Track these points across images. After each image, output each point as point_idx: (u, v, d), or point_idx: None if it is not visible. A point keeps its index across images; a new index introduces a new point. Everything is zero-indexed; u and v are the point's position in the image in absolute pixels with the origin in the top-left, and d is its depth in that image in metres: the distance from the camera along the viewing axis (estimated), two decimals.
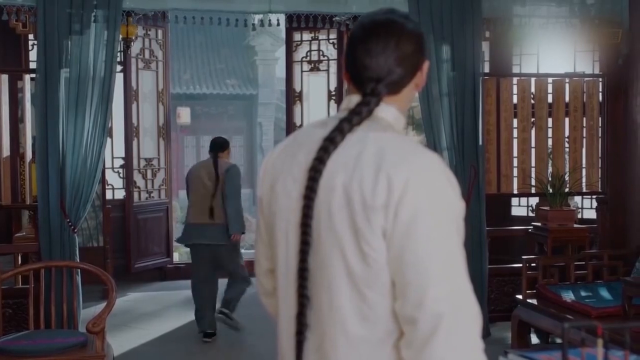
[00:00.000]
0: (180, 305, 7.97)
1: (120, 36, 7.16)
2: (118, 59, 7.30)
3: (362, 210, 1.56)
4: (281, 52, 17.12)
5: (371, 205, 1.55)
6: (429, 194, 1.55)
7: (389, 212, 1.54)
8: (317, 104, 9.17)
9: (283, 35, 11.51)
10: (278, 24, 7.03)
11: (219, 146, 6.82)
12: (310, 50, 9.32)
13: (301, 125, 9.08)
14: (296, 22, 6.93)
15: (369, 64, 1.69)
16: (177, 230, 9.76)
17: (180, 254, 11.70)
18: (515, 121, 7.23)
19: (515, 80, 7.38)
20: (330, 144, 1.63)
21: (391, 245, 1.55)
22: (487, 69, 8.40)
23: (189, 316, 7.02)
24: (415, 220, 1.53)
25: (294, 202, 1.67)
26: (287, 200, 1.70)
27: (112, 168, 9.28)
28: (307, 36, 9.32)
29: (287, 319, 1.69)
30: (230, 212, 6.50)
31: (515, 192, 7.46)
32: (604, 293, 5.77)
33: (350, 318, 1.59)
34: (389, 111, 1.71)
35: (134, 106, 9.09)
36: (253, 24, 7.64)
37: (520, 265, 6.09)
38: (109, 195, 9.09)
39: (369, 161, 1.58)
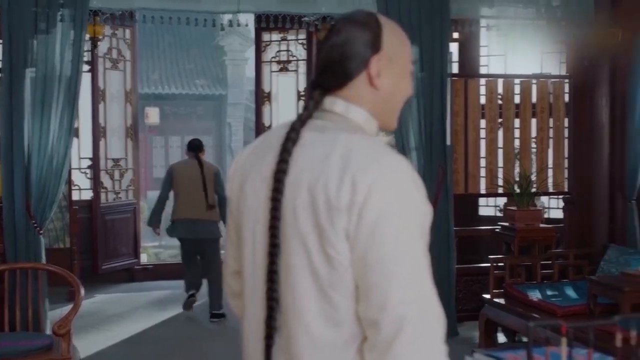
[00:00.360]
0: (147, 307, 7.93)
1: (87, 35, 7.10)
2: (85, 59, 7.25)
3: (326, 211, 1.55)
4: (250, 52, 17.08)
5: (335, 207, 1.53)
6: (395, 196, 1.54)
7: (353, 214, 1.53)
8: (287, 105, 9.17)
9: (252, 35, 11.48)
10: (247, 25, 7.02)
11: (199, 147, 7.41)
12: (279, 51, 9.32)
13: (270, 126, 9.07)
14: (265, 22, 6.93)
15: (320, 58, 1.72)
16: (145, 231, 9.70)
17: (149, 255, 11.64)
18: (482, 122, 7.29)
19: (483, 81, 7.44)
20: (288, 142, 1.63)
21: (355, 247, 1.53)
22: (455, 70, 8.45)
23: (157, 317, 6.97)
24: (381, 223, 1.52)
25: (262, 202, 1.66)
26: (256, 201, 1.69)
27: (79, 169, 9.19)
28: (276, 36, 9.31)
29: (255, 321, 1.67)
30: (224, 209, 7.05)
31: (483, 192, 7.53)
32: (570, 292, 5.84)
33: (315, 320, 1.57)
34: (358, 112, 1.70)
35: (101, 106, 9.01)
36: (222, 24, 7.62)
37: (488, 264, 6.14)
38: (75, 196, 9.00)
39: (335, 162, 1.57)
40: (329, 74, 1.71)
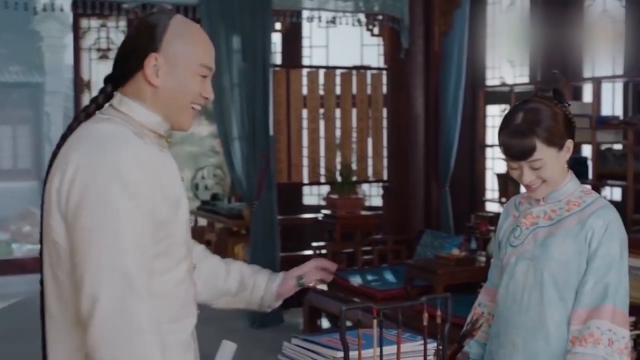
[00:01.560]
0: None
1: None
2: None
3: (55, 195, 1.65)
4: (69, 38, 16.44)
5: (56, 189, 1.64)
6: (95, 180, 1.61)
7: (62, 197, 1.63)
8: None
9: (70, 20, 11.04)
10: (62, 9, 6.74)
11: None
12: (99, 38, 9.02)
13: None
14: (82, 8, 6.69)
15: None
16: None
17: None
18: (305, 112, 7.41)
19: (305, 72, 7.56)
20: (66, 130, 1.76)
21: (67, 228, 1.64)
22: (277, 61, 8.53)
23: None
24: (81, 205, 1.61)
25: None
26: None
27: None
28: (95, 23, 8.99)
29: None
30: None
31: (306, 181, 7.66)
32: (389, 276, 6.06)
33: (51, 297, 1.71)
34: (138, 110, 1.76)
35: None
36: (34, 8, 7.27)
37: (311, 252, 6.26)
38: None
39: (65, 148, 1.70)
40: (116, 68, 1.79)
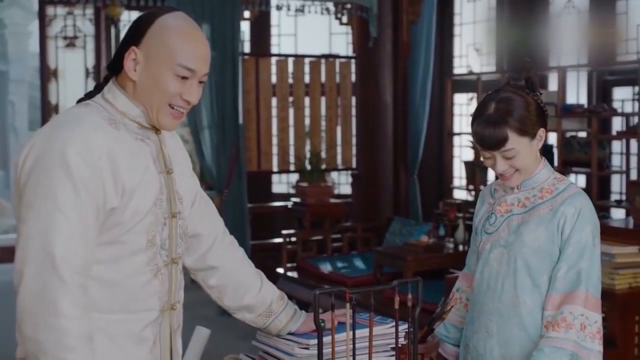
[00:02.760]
0: None
1: None
2: None
3: (14, 169, 1.74)
4: (34, 26, 16.23)
5: (15, 164, 1.71)
6: (43, 160, 1.66)
7: (18, 173, 1.70)
8: (74, 82, 8.81)
9: (36, 8, 10.92)
10: None
11: None
12: (65, 26, 8.94)
13: (57, 105, 8.70)
14: None
15: None
16: None
17: None
18: (274, 100, 7.43)
19: (274, 60, 7.57)
20: None
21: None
22: (247, 49, 8.53)
23: None
24: (28, 182, 1.67)
25: None
26: None
27: None
28: (61, 11, 8.91)
29: None
30: None
31: (275, 169, 7.68)
32: (359, 263, 6.12)
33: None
34: (120, 99, 1.80)
35: None
36: None
37: (281, 240, 6.30)
38: None
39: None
40: (113, 58, 1.83)
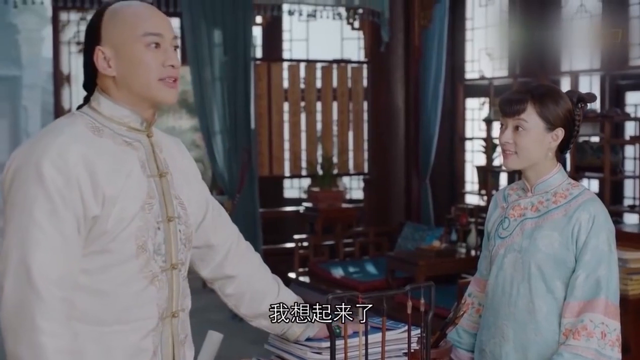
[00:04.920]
0: None
1: None
2: None
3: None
4: (47, 31, 16.31)
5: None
6: (20, 172, 1.65)
7: (3, 191, 1.69)
8: None
9: (49, 14, 10.97)
10: (42, 2, 6.72)
11: None
12: (78, 31, 8.98)
13: (70, 110, 8.74)
14: (61, 1, 6.67)
15: None
16: None
17: None
18: (286, 105, 7.43)
19: (285, 65, 7.58)
20: None
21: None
22: (258, 54, 8.54)
23: None
24: (7, 195, 1.66)
25: None
26: None
27: None
28: (75, 16, 8.95)
29: None
30: None
31: (287, 174, 7.69)
32: (370, 268, 6.12)
33: None
34: (105, 104, 1.78)
35: None
36: (15, 1, 7.22)
37: (293, 245, 6.30)
38: None
39: None
40: (84, 78, 1.83)
